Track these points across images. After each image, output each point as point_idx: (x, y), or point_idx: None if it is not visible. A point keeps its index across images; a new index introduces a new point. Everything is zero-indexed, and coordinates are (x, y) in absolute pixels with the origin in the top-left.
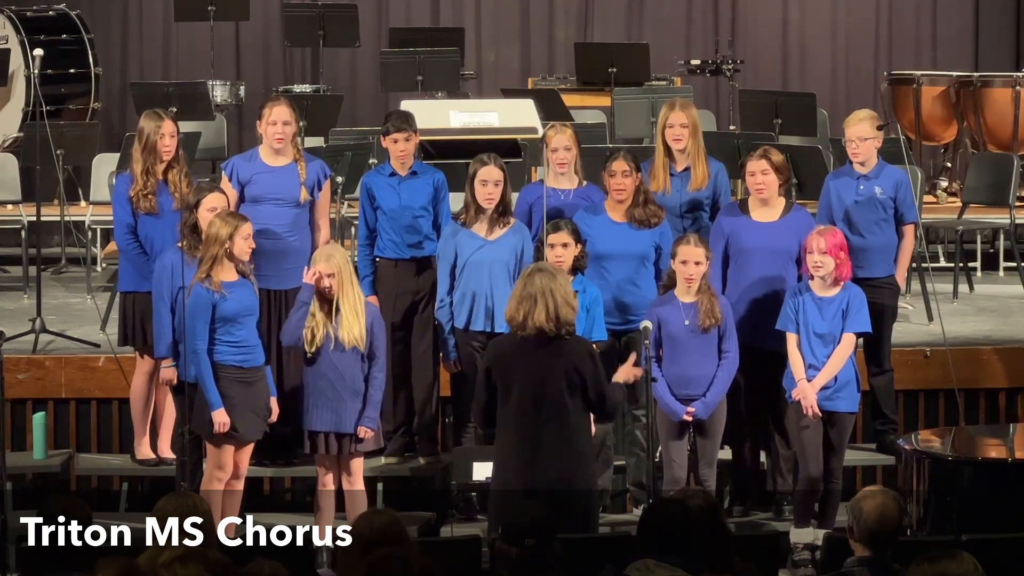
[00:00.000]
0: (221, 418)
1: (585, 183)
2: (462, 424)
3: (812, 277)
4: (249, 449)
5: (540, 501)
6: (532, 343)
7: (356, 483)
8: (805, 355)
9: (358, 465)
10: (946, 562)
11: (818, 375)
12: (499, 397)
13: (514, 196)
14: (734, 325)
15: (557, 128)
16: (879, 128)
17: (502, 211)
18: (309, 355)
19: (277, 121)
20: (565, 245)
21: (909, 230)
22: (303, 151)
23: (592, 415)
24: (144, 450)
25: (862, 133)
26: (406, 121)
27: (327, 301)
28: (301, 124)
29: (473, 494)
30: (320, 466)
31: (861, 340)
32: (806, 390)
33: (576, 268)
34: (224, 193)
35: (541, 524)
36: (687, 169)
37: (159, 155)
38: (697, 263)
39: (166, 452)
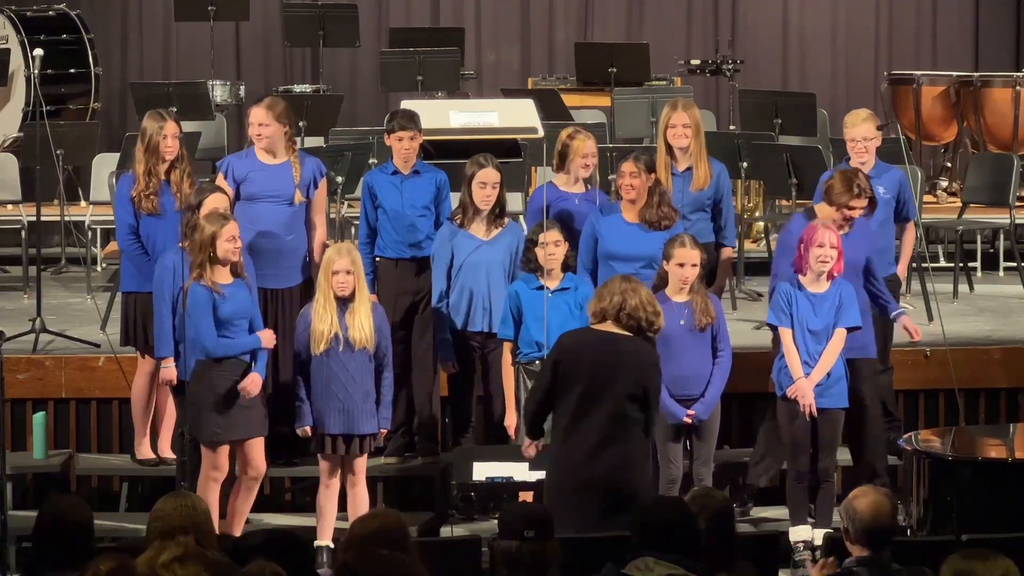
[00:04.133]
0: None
1: (590, 187)
2: (462, 424)
3: (804, 272)
4: (259, 445)
5: (595, 497)
6: (605, 337)
7: (359, 483)
8: (799, 351)
9: (362, 465)
10: (975, 562)
11: (813, 371)
12: (561, 389)
13: (513, 196)
14: (727, 324)
15: (584, 136)
16: (879, 128)
17: (498, 212)
18: (316, 355)
19: (253, 123)
20: (557, 243)
21: (910, 226)
22: (299, 150)
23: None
24: (144, 450)
25: (867, 133)
26: (411, 120)
27: (339, 300)
28: (301, 124)
29: (473, 494)
30: (325, 467)
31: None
32: (804, 388)
33: (566, 267)
34: (227, 194)
35: (539, 518)
36: (689, 169)
37: (161, 155)
38: (693, 265)
39: (166, 452)
